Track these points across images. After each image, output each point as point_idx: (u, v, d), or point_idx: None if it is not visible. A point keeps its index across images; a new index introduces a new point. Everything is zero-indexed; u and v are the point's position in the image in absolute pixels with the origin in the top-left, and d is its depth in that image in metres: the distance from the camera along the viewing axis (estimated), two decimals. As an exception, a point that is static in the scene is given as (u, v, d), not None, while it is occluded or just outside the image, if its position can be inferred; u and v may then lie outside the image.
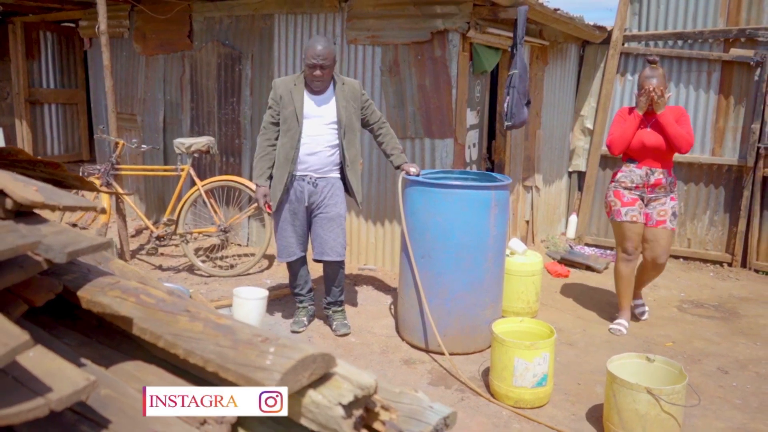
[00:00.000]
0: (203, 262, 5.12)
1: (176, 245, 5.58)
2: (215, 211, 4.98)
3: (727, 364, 3.66)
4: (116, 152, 5.14)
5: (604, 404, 2.87)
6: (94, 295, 1.34)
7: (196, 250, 5.31)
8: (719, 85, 5.63)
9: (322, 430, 1.06)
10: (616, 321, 4.11)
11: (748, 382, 3.42)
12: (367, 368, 3.44)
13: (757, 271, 5.62)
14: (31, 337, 0.92)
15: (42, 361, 1.01)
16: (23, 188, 1.23)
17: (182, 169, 5.01)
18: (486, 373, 3.37)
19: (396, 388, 1.29)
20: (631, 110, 3.93)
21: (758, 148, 5.45)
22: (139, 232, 6.05)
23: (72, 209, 1.30)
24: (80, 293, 1.35)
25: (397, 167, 3.80)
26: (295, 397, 1.06)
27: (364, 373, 1.15)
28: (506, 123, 4.15)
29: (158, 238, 5.11)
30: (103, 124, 5.57)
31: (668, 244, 3.98)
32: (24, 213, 1.27)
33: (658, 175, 3.88)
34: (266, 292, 3.73)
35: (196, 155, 4.99)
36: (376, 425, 1.15)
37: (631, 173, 3.93)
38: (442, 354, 3.48)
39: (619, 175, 3.99)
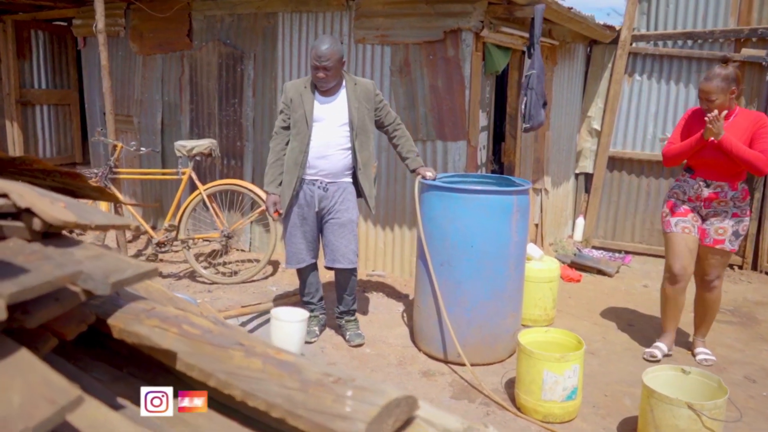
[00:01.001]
0: (205, 268, 4.96)
1: (176, 251, 5.41)
2: (218, 216, 4.82)
3: (754, 372, 3.56)
4: (114, 155, 4.96)
5: (639, 418, 2.75)
6: (128, 324, 1.19)
7: (196, 256, 5.15)
8: (730, 86, 5.54)
9: (407, 485, 0.92)
10: (654, 344, 3.68)
11: (779, 392, 3.32)
12: (386, 381, 3.30)
13: (767, 273, 5.55)
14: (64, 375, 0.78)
15: (88, 411, 0.86)
16: (51, 205, 1.08)
17: (183, 173, 4.85)
18: (509, 385, 3.24)
19: (461, 423, 1.16)
20: (699, 116, 3.36)
21: (770, 149, 5.36)
22: (136, 237, 5.87)
23: (104, 228, 1.15)
24: (111, 321, 1.20)
25: (413, 171, 3.66)
26: (377, 448, 0.92)
27: (448, 416, 1.01)
28: (524, 125, 4.02)
29: (159, 244, 4.94)
30: (101, 127, 5.40)
31: (722, 265, 3.50)
32: (51, 233, 1.12)
33: (715, 188, 3.36)
34: (307, 314, 3.45)
35: (198, 158, 4.82)
36: (457, 472, 1.02)
37: (685, 184, 3.47)
38: (462, 365, 3.35)
39: (674, 184, 3.57)
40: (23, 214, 1.05)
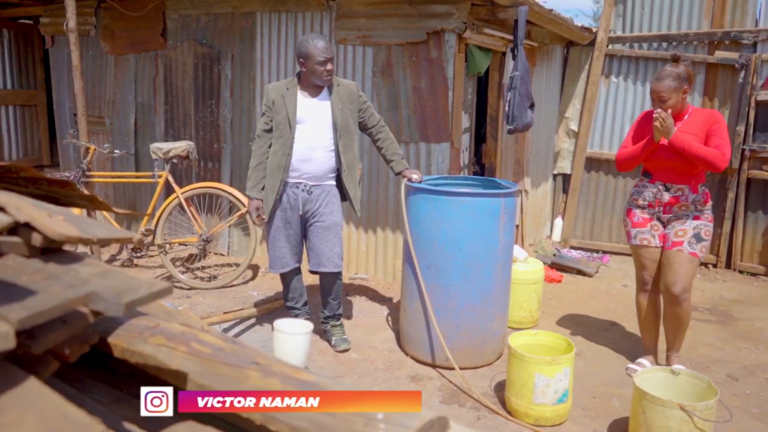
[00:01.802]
0: (182, 273, 4.84)
1: (152, 256, 5.28)
2: (196, 220, 4.71)
3: (736, 371, 3.61)
4: (87, 158, 4.81)
5: (630, 420, 2.75)
6: (131, 344, 1.12)
7: (173, 261, 5.02)
8: (704, 88, 5.65)
9: None
10: (638, 360, 3.53)
11: (761, 390, 3.37)
12: (374, 386, 3.26)
13: (741, 272, 5.66)
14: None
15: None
16: (50, 219, 1.01)
17: (160, 176, 4.72)
18: (498, 388, 3.23)
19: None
20: (651, 118, 3.18)
21: (743, 150, 5.48)
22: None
23: (107, 242, 1.08)
24: (112, 340, 1.12)
25: (398, 173, 3.62)
26: (409, 472, 0.87)
27: (479, 436, 0.97)
28: (508, 126, 4.01)
29: (134, 249, 4.81)
30: (72, 128, 5.23)
31: (685, 272, 3.19)
32: (49, 249, 1.05)
33: (675, 192, 3.22)
34: (311, 325, 3.29)
35: (174, 161, 4.70)
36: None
37: (644, 189, 3.32)
38: (451, 369, 3.32)
39: (633, 190, 3.41)
40: (21, 228, 0.98)
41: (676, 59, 3.15)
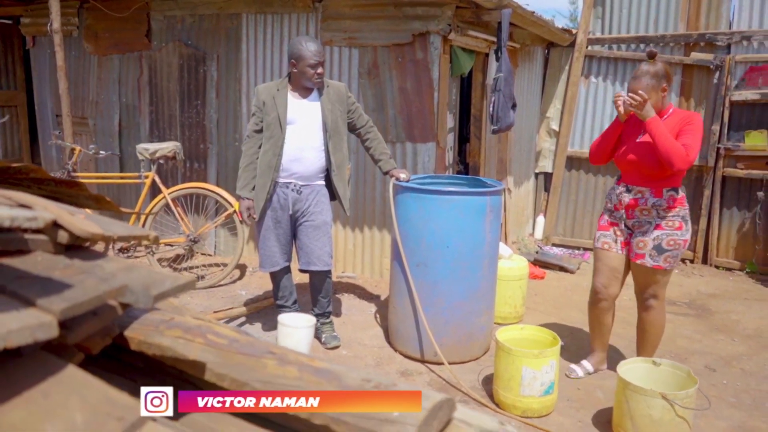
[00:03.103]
0: (170, 274, 4.85)
1: (138, 257, 5.28)
2: (183, 220, 4.73)
3: (713, 362, 3.74)
4: (72, 159, 4.80)
5: (614, 409, 2.85)
6: (148, 336, 1.17)
7: (159, 261, 5.04)
8: (680, 88, 5.81)
9: (451, 485, 0.94)
10: (581, 362, 3.49)
11: (737, 380, 3.50)
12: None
13: (717, 267, 5.83)
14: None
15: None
16: (75, 218, 1.06)
17: (146, 177, 4.73)
18: (486, 382, 3.31)
19: (496, 422, 1.19)
20: (628, 119, 3.20)
21: (718, 148, 5.64)
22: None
23: (126, 240, 1.13)
24: (129, 333, 1.17)
25: (386, 173, 3.69)
26: (420, 450, 0.94)
27: (483, 416, 1.04)
28: (493, 127, 4.10)
29: (122, 250, 4.81)
30: (55, 129, 5.21)
31: (649, 283, 3.15)
32: (71, 246, 1.09)
33: (636, 194, 3.10)
34: (314, 319, 3.45)
35: (161, 161, 4.72)
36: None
37: (612, 191, 3.25)
38: (439, 364, 3.40)
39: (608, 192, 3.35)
40: (46, 226, 1.03)
41: (652, 56, 3.09)
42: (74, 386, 0.78)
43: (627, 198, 3.14)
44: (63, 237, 1.00)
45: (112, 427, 0.70)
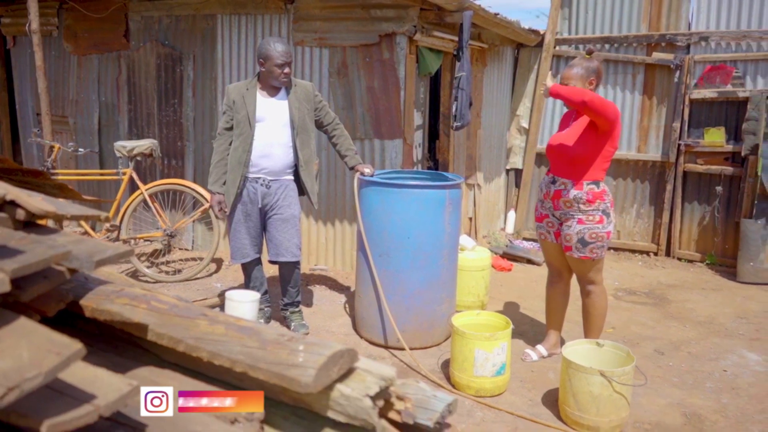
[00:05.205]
0: (148, 267, 4.99)
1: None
2: (160, 216, 4.87)
3: (663, 346, 3.95)
4: (52, 156, 4.93)
5: (559, 388, 3.04)
6: (99, 304, 1.34)
7: (138, 256, 5.17)
8: (643, 87, 6.03)
9: (350, 422, 1.12)
10: (536, 346, 3.68)
11: (683, 362, 3.71)
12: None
13: (679, 259, 6.05)
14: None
15: (76, 371, 1.02)
16: (30, 198, 1.22)
17: (124, 173, 4.87)
18: (445, 365, 3.49)
19: (399, 380, 1.37)
20: (567, 115, 3.49)
21: (679, 145, 5.87)
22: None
23: (79, 218, 1.30)
24: (83, 302, 1.34)
25: (352, 168, 3.86)
26: (324, 391, 1.11)
27: (383, 366, 1.21)
28: (455, 124, 4.29)
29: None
30: (35, 128, 5.33)
31: (582, 270, 3.34)
32: (30, 224, 1.26)
33: (559, 185, 3.26)
34: (258, 295, 3.69)
35: (138, 159, 4.86)
36: (392, 414, 1.23)
37: (542, 182, 3.44)
38: (402, 349, 3.57)
39: None
40: (6, 205, 1.19)
41: (590, 53, 3.36)
42: (23, 332, 0.94)
43: (552, 189, 3.31)
44: (20, 214, 1.16)
45: (51, 360, 0.87)
